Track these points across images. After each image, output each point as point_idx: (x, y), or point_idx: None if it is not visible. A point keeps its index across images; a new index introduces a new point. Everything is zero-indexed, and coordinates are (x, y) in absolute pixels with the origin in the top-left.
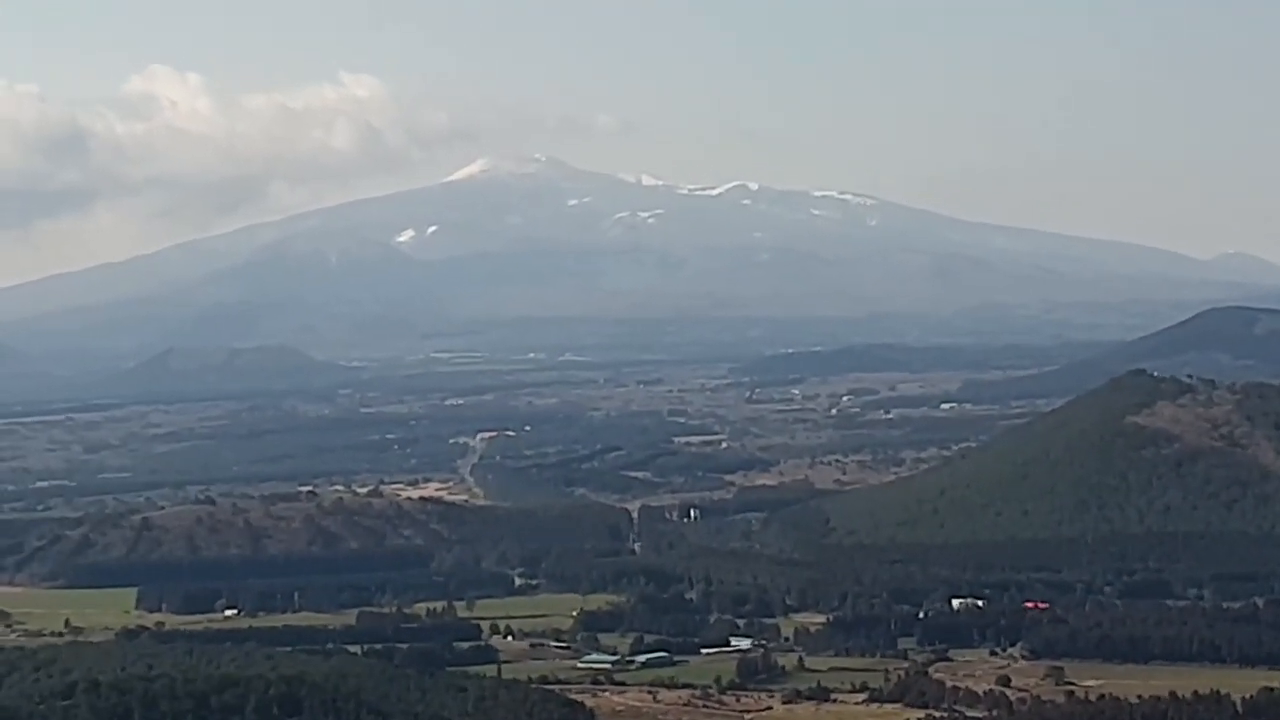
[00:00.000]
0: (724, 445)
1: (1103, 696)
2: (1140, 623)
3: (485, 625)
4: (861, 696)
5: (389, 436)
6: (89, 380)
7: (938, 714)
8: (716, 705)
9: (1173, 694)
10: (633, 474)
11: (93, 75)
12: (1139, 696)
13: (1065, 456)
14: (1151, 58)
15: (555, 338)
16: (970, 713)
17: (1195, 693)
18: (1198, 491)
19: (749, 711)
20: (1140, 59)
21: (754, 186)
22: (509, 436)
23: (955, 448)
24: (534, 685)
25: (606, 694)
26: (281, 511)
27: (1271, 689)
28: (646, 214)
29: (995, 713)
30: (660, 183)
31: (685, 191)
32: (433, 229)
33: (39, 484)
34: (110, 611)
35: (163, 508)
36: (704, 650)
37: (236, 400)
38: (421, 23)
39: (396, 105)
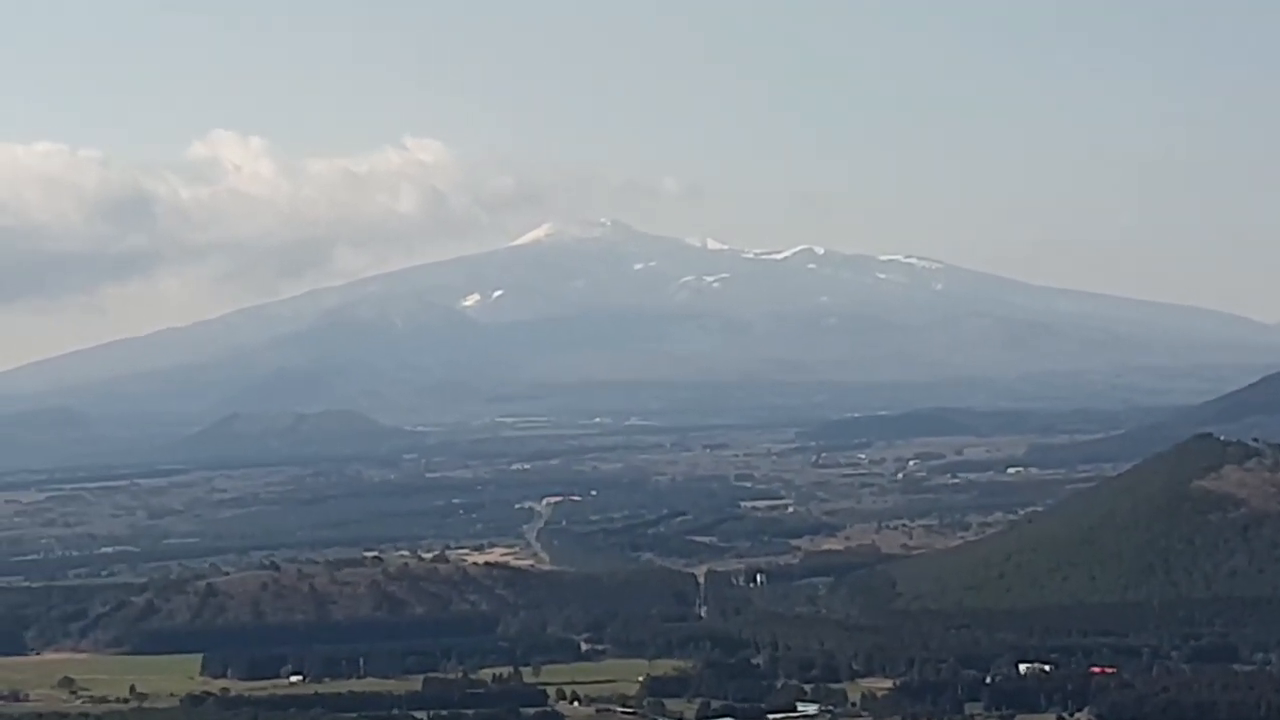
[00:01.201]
0: (790, 510)
1: None
2: (1207, 687)
3: (551, 691)
4: None
5: (454, 501)
6: (154, 445)
7: None
8: None
9: None
10: (699, 539)
11: (156, 140)
12: None
13: (1131, 521)
14: (1215, 128)
15: (621, 402)
16: None
17: None
18: (1265, 555)
19: None
20: (1205, 129)
21: (820, 251)
22: (575, 501)
23: (1021, 512)
24: None
25: None
26: (346, 577)
27: None
28: (712, 278)
29: None
30: (726, 247)
31: (751, 255)
32: (498, 293)
33: (103, 550)
34: (175, 677)
35: (227, 573)
36: (770, 716)
37: (301, 465)
38: (486, 87)
39: (461, 169)
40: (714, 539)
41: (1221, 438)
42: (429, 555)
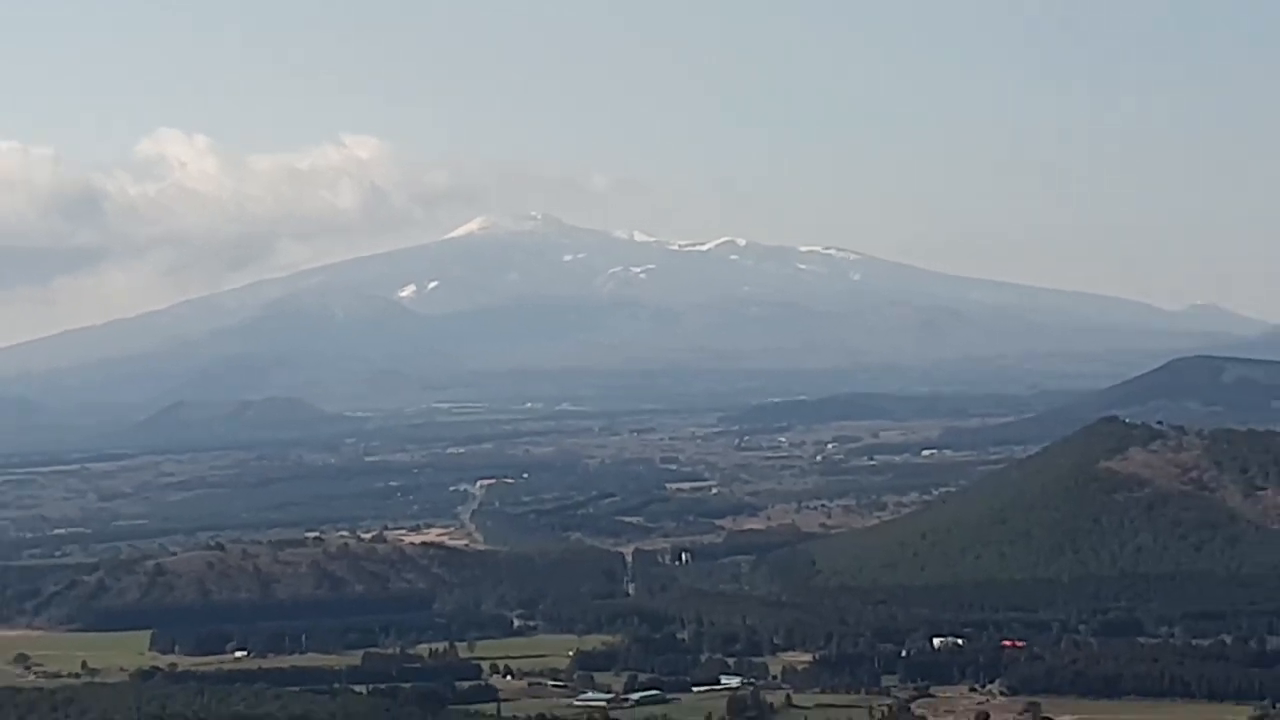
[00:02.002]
0: (714, 491)
1: None
2: (1113, 660)
3: (485, 665)
4: (844, 712)
5: (392, 484)
6: (104, 431)
7: None
8: None
9: None
10: (626, 519)
11: (106, 138)
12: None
13: (1041, 500)
14: (1125, 121)
15: (552, 389)
16: None
17: None
18: (1168, 533)
19: None
20: (1114, 123)
21: (742, 242)
22: (508, 483)
23: (936, 492)
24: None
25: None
26: (289, 557)
27: None
28: (639, 269)
29: None
30: (652, 239)
31: (676, 247)
32: (433, 284)
33: (56, 531)
34: (125, 653)
35: (175, 553)
36: (695, 689)
37: (245, 450)
38: (421, 85)
39: (398, 165)
40: (641, 519)
41: (1127, 421)
42: (368, 536)
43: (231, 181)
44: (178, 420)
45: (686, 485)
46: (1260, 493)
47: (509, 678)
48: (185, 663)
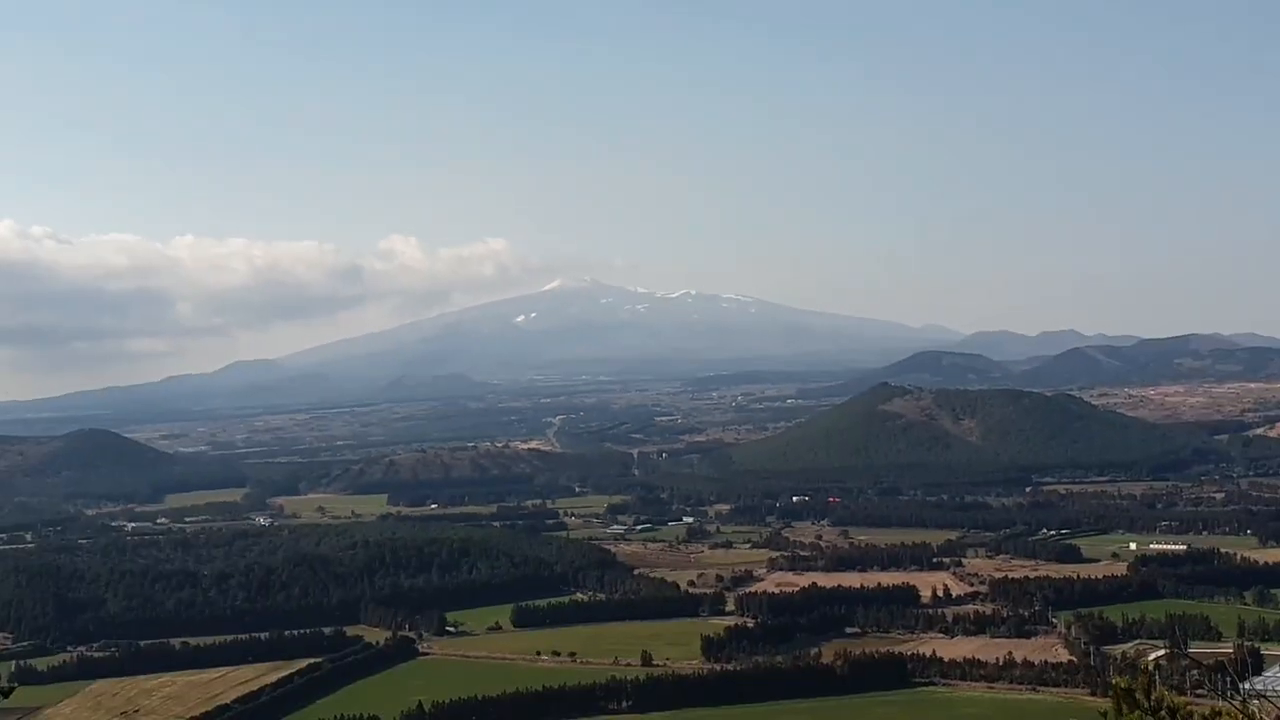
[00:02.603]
0: (679, 421)
1: (867, 542)
2: (885, 508)
3: (561, 511)
4: (748, 544)
5: (513, 419)
6: (361, 392)
7: (786, 552)
8: (677, 551)
9: (902, 542)
10: (634, 435)
11: (364, 238)
12: (886, 543)
13: (848, 425)
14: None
15: (594, 370)
16: (801, 551)
17: (913, 541)
18: (913, 444)
19: (694, 554)
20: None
21: (694, 292)
22: (572, 418)
23: (795, 422)
24: (586, 541)
25: (621, 545)
26: (459, 456)
27: (950, 540)
28: (641, 306)
29: (817, 550)
30: (646, 290)
31: (659, 295)
32: (534, 314)
33: (337, 442)
34: (374, 506)
35: (399, 454)
36: (670, 523)
37: (436, 401)
38: (523, 208)
39: (513, 253)
40: (642, 436)
41: (891, 384)
42: (500, 445)
43: (429, 262)
44: (401, 386)
45: (665, 419)
46: (961, 422)
47: (573, 518)
48: (405, 511)
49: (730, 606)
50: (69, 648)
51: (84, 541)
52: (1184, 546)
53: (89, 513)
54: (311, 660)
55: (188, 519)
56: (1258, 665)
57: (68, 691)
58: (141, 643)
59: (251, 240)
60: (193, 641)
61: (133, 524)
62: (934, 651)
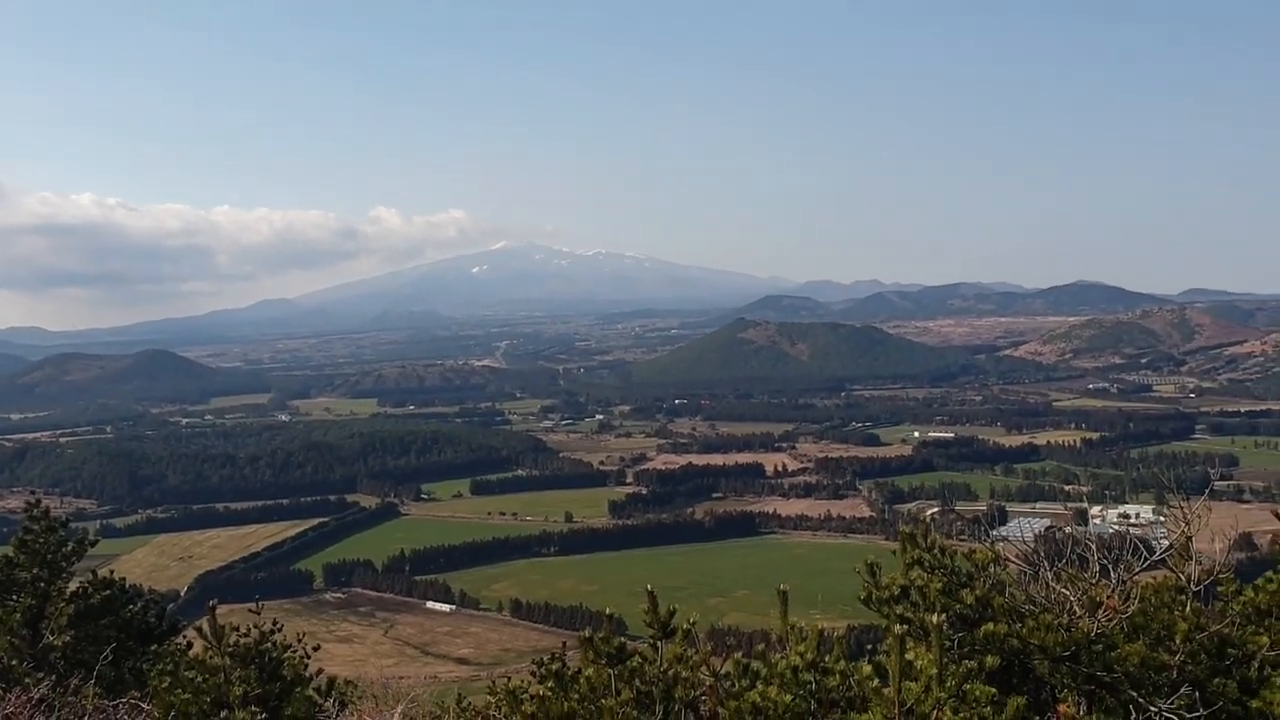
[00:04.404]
0: (593, 345)
1: (729, 432)
2: (742, 407)
3: (506, 411)
4: (643, 434)
5: (470, 343)
6: (358, 323)
7: (670, 440)
8: (592, 439)
9: (753, 432)
10: (560, 356)
11: (358, 209)
12: (742, 433)
13: (715, 348)
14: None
15: (530, 308)
16: (681, 439)
17: (761, 432)
18: (762, 362)
19: (603, 441)
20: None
21: (604, 251)
22: (514, 343)
23: (677, 346)
24: (525, 432)
25: (551, 435)
26: (429, 370)
27: (787, 430)
28: (564, 261)
29: (692, 438)
30: (569, 249)
31: (580, 253)
32: (486, 267)
33: (339, 360)
34: (367, 406)
35: (385, 369)
36: (586, 419)
37: (413, 330)
38: (483, 187)
39: (470, 220)
40: (565, 356)
41: (746, 319)
42: (461, 362)
43: (407, 227)
44: (386, 319)
45: (582, 343)
46: (796, 346)
47: (515, 415)
48: (390, 411)
49: (630, 479)
50: (139, 511)
51: (150, 433)
52: (952, 434)
53: (154, 411)
54: (321, 519)
55: (227, 416)
56: (1003, 518)
57: (139, 544)
58: (194, 507)
59: (273, 209)
60: (233, 506)
61: (186, 420)
62: (775, 509)
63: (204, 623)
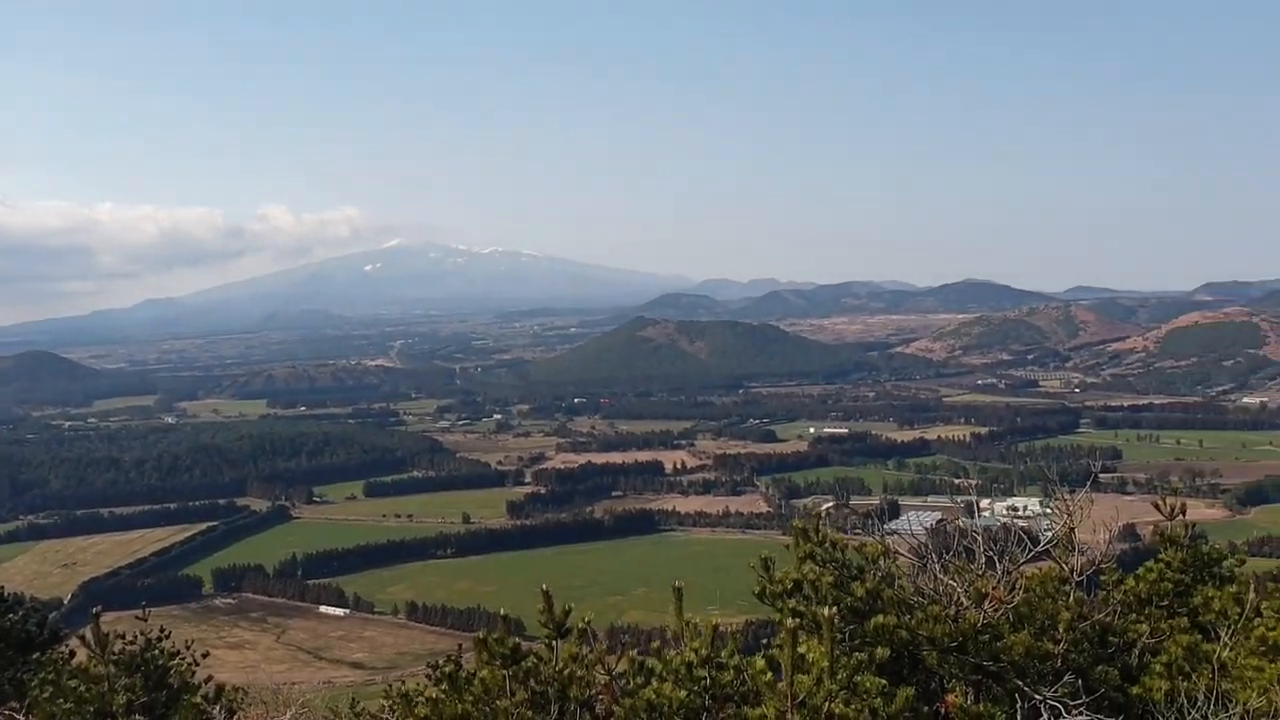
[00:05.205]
0: (491, 344)
1: (628, 431)
2: (641, 405)
3: (401, 411)
4: (542, 433)
5: (363, 343)
6: (246, 323)
7: (569, 439)
8: (489, 439)
9: (652, 430)
10: (457, 355)
11: (246, 206)
12: (641, 431)
13: (615, 346)
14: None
15: (425, 307)
16: (580, 438)
17: (660, 430)
18: (661, 360)
19: (501, 441)
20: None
21: (501, 249)
22: (408, 342)
23: (576, 345)
24: (420, 433)
25: (447, 435)
26: (322, 370)
27: (686, 428)
28: (461, 259)
29: (591, 437)
30: (465, 247)
31: (476, 251)
32: (379, 265)
33: (227, 360)
34: (257, 409)
35: (275, 369)
36: (484, 419)
37: (304, 330)
38: (376, 184)
39: (363, 217)
40: (462, 355)
41: (645, 317)
42: (354, 362)
43: (297, 225)
44: (276, 319)
45: (479, 342)
46: (694, 344)
47: (410, 416)
48: (280, 413)
49: (528, 479)
50: (20, 517)
51: (31, 436)
52: (847, 430)
53: (35, 414)
54: (210, 524)
55: (111, 418)
56: (895, 512)
57: (20, 551)
58: (78, 512)
59: (158, 207)
60: (118, 511)
61: (69, 423)
62: (674, 507)
63: (87, 631)
